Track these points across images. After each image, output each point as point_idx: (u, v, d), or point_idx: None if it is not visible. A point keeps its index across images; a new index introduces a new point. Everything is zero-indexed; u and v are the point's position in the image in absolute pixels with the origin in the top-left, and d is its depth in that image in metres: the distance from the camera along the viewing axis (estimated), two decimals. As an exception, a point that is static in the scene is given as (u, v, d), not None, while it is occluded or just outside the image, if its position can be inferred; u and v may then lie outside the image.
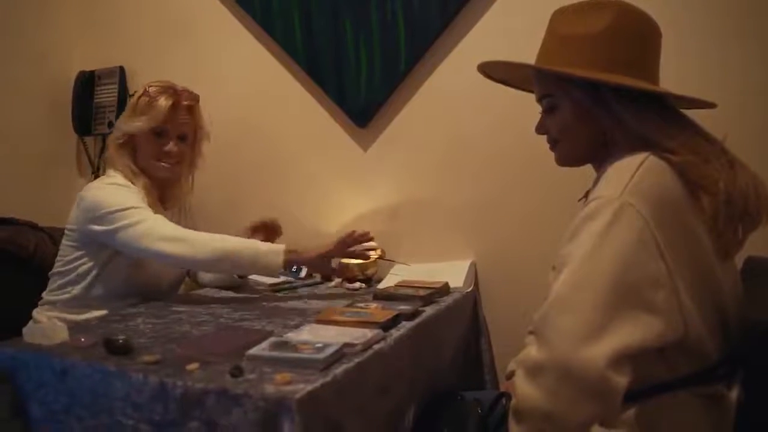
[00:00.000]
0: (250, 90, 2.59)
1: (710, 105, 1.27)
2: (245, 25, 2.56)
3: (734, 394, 1.13)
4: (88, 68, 2.82)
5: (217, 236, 1.85)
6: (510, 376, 1.55)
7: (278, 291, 2.12)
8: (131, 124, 1.91)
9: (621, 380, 0.98)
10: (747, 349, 1.13)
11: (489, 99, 2.13)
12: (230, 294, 2.07)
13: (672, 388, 1.10)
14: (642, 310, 1.01)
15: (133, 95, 1.99)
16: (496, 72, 1.43)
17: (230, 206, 2.65)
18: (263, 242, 1.92)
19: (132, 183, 1.92)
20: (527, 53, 1.33)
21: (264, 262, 1.83)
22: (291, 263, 1.86)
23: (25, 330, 1.52)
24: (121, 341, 1.40)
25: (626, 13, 1.21)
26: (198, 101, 2.02)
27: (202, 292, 2.13)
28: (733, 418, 1.13)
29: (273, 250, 1.84)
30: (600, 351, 0.97)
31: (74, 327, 1.59)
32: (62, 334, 1.50)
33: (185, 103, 1.96)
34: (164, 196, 2.04)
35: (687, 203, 1.10)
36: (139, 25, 2.78)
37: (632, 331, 0.99)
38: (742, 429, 1.12)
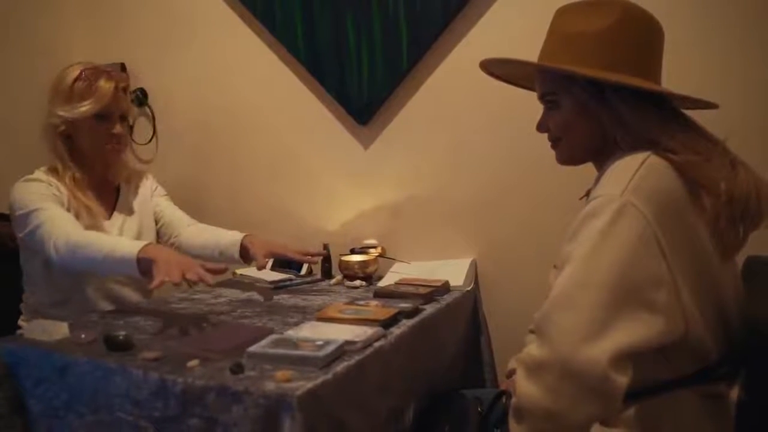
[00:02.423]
0: (250, 87, 2.59)
1: (712, 105, 1.27)
2: (246, 22, 2.55)
3: (735, 393, 1.13)
4: (88, 64, 2.82)
5: (94, 237, 1.71)
6: (510, 374, 1.55)
7: (278, 288, 2.11)
8: (74, 110, 1.83)
9: (622, 379, 0.98)
10: (748, 348, 1.13)
11: (490, 97, 2.13)
12: (231, 291, 2.07)
13: (672, 387, 1.10)
14: (643, 309, 1.01)
15: (58, 80, 1.88)
16: (498, 69, 1.43)
17: (230, 204, 2.65)
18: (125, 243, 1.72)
19: (57, 177, 1.87)
20: (529, 51, 1.32)
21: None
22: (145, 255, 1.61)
23: (25, 326, 1.52)
24: (121, 338, 1.41)
25: (629, 12, 1.21)
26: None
27: (201, 289, 2.12)
28: (733, 417, 1.13)
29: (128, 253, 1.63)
30: (601, 350, 0.97)
31: (74, 323, 1.58)
32: (62, 331, 1.51)
33: (122, 84, 1.92)
34: (107, 177, 2.00)
35: (688, 203, 1.10)
36: (141, 22, 2.78)
37: (633, 331, 0.99)
38: (742, 429, 1.12)
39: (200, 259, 1.95)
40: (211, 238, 2.04)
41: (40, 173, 1.88)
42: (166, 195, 2.18)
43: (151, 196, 2.13)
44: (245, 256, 1.97)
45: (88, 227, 1.81)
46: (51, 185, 1.83)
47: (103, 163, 1.96)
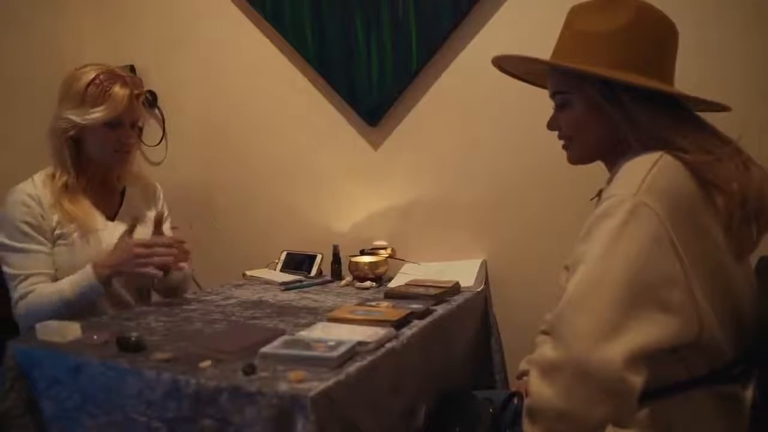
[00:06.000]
0: (260, 89, 2.60)
1: (724, 108, 1.26)
2: (255, 24, 2.56)
3: (749, 393, 1.13)
4: (98, 67, 2.83)
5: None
6: (521, 375, 1.55)
7: (288, 289, 2.12)
8: (86, 116, 1.81)
9: (637, 380, 0.97)
10: (762, 348, 1.12)
11: (500, 98, 2.13)
12: (240, 292, 2.07)
13: (687, 387, 1.10)
14: (657, 310, 1.00)
15: (71, 82, 1.85)
16: (510, 66, 1.43)
17: (240, 206, 2.66)
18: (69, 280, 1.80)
19: (51, 184, 1.85)
20: (539, 50, 1.32)
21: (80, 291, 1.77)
22: (106, 276, 1.78)
23: (38, 327, 1.53)
24: (133, 339, 1.41)
25: (644, 13, 1.21)
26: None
27: (211, 290, 2.13)
28: (747, 417, 1.12)
29: (83, 279, 1.77)
30: (617, 351, 0.96)
31: (86, 324, 1.59)
32: (75, 332, 1.51)
33: (136, 92, 1.89)
34: (110, 181, 1.99)
35: (701, 202, 1.09)
36: (150, 24, 2.79)
37: (648, 331, 0.99)
38: (756, 429, 1.11)
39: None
40: None
41: (28, 184, 1.86)
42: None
43: (162, 217, 2.09)
44: None
45: (75, 233, 1.84)
46: (32, 207, 1.82)
47: (109, 169, 1.95)
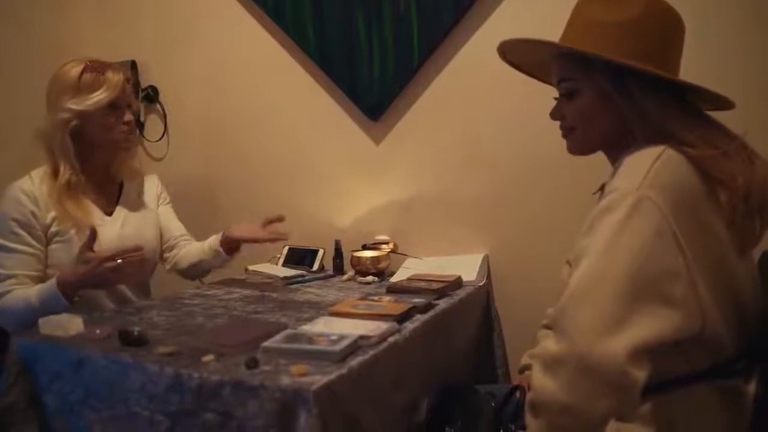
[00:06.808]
0: (261, 84, 2.59)
1: (729, 106, 1.25)
2: (257, 19, 2.56)
3: (751, 388, 1.13)
4: (100, 62, 2.82)
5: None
6: (523, 369, 1.55)
7: (291, 284, 2.12)
8: (86, 101, 1.82)
9: (640, 374, 0.97)
10: (764, 343, 1.12)
11: (502, 92, 2.13)
12: (243, 287, 2.08)
13: (689, 381, 1.09)
14: (660, 304, 1.00)
15: (61, 76, 1.86)
16: (515, 54, 1.41)
17: (241, 201, 2.66)
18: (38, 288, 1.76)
19: (52, 181, 1.84)
20: (541, 47, 1.32)
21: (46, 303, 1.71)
22: (70, 290, 1.72)
23: (41, 321, 1.53)
24: (136, 333, 1.41)
25: (653, 5, 1.20)
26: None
27: (210, 285, 2.14)
28: (750, 412, 1.12)
29: (48, 291, 1.72)
30: (620, 344, 0.96)
31: (89, 319, 1.59)
32: (78, 326, 1.51)
33: (126, 76, 1.93)
34: (110, 174, 2.00)
35: (704, 197, 1.09)
36: (151, 19, 2.78)
37: (651, 325, 0.99)
38: (758, 423, 1.11)
39: (200, 267, 2.13)
40: (198, 246, 2.14)
41: (25, 180, 1.85)
42: (169, 203, 2.20)
43: (157, 199, 2.14)
44: (227, 243, 2.08)
45: (72, 230, 1.83)
46: (25, 205, 1.80)
47: (113, 154, 1.95)
